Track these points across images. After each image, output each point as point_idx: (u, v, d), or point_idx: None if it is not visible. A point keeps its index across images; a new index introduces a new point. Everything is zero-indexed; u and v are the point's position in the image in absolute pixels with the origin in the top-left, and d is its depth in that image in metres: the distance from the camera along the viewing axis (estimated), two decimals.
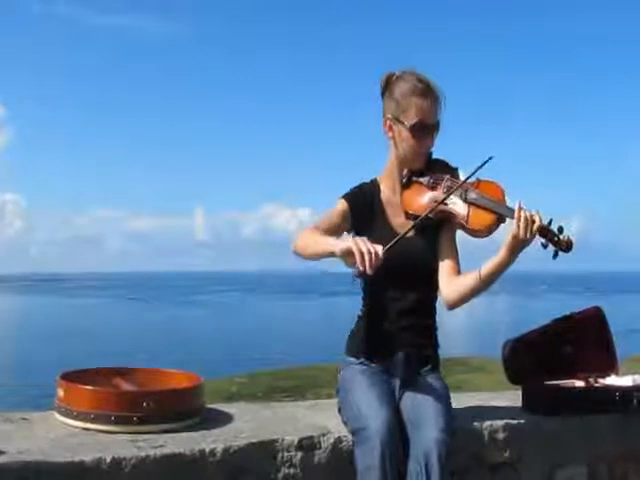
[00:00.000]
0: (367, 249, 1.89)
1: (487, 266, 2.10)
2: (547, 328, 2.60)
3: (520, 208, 2.04)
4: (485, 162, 2.11)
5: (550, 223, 2.04)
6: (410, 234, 2.21)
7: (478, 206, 2.17)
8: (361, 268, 1.88)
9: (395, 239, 2.01)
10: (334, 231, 2.20)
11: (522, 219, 2.02)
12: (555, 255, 2.06)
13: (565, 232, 2.05)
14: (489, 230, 2.17)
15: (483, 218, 2.16)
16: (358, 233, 2.24)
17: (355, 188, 2.32)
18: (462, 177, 2.24)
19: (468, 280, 2.15)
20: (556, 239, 2.04)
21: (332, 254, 2.02)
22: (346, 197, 2.28)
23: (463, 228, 2.21)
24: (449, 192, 2.17)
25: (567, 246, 2.05)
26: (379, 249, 1.91)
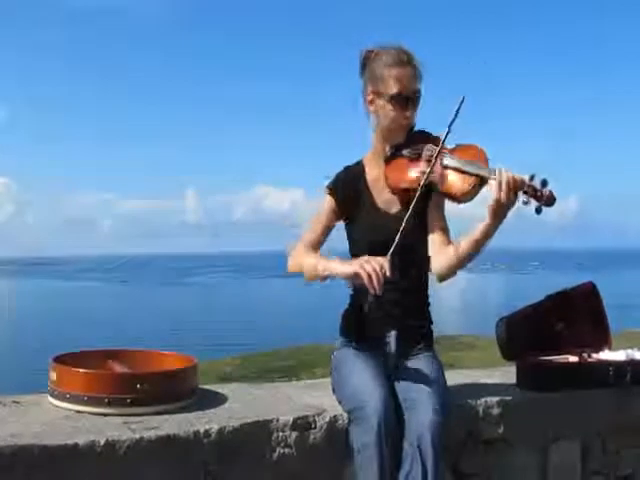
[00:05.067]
0: (373, 269, 1.88)
1: (473, 234, 2.06)
2: (541, 304, 2.61)
3: (500, 170, 1.99)
4: (459, 106, 2.02)
5: (532, 178, 1.98)
6: (395, 210, 2.21)
7: (456, 170, 2.11)
8: (371, 291, 1.89)
9: (395, 241, 1.99)
10: (329, 228, 2.26)
11: (503, 180, 1.96)
12: (538, 211, 1.98)
13: (549, 185, 1.97)
14: (469, 194, 2.10)
15: (461, 182, 2.10)
16: (347, 218, 2.27)
17: (338, 174, 2.30)
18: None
19: (455, 250, 2.11)
20: (538, 194, 1.96)
21: (333, 277, 2.04)
22: (330, 190, 2.27)
23: (444, 195, 2.15)
24: (433, 162, 2.10)
25: (549, 200, 1.97)
26: (384, 263, 1.90)
